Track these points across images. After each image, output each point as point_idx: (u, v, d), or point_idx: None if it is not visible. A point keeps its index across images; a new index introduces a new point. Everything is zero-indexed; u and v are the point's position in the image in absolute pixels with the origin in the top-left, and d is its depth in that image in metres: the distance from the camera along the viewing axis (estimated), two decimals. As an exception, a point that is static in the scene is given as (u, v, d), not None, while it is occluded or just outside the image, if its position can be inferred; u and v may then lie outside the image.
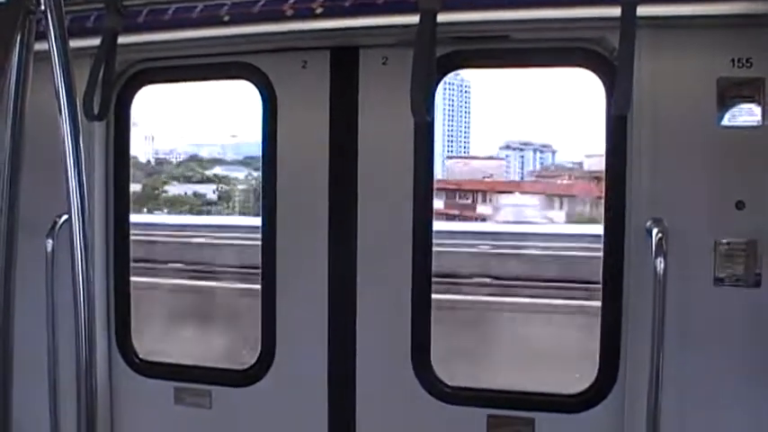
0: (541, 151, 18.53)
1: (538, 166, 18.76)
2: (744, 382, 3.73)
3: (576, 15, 3.80)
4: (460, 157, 17.26)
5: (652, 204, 3.77)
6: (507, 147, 18.04)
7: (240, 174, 19.65)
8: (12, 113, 2.21)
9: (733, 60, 3.67)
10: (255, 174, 16.55)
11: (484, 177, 17.38)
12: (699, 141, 3.75)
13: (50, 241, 4.31)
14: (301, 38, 4.15)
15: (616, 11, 2.71)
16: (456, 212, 16.90)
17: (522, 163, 18.27)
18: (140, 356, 4.88)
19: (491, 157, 17.90)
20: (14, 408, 2.37)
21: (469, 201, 17.44)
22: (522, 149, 18.11)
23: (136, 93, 4.77)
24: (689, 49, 3.76)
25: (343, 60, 4.31)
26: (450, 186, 16.77)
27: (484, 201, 17.66)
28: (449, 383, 4.31)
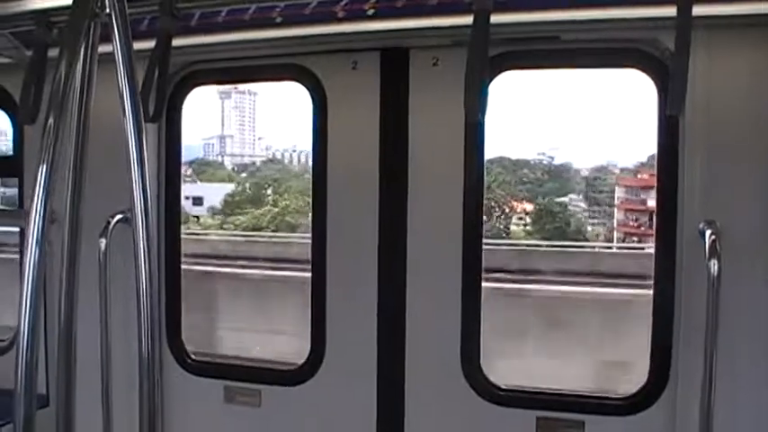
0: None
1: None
2: None
3: (627, 16, 3.77)
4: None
5: (705, 206, 3.73)
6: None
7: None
8: (77, 115, 2.26)
9: None
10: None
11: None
12: (752, 142, 3.70)
13: (104, 241, 4.37)
14: (352, 39, 4.18)
15: (667, 11, 2.69)
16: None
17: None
18: (191, 356, 4.94)
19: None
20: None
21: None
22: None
23: (187, 94, 4.83)
24: (743, 48, 3.71)
25: (394, 61, 4.32)
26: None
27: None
28: (498, 385, 4.30)
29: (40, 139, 2.01)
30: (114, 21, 2.17)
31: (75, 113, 2.25)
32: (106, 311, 4.32)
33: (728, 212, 3.70)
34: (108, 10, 2.17)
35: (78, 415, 2.49)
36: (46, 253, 2.00)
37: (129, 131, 2.18)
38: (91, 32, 2.22)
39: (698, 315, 3.57)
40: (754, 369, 3.70)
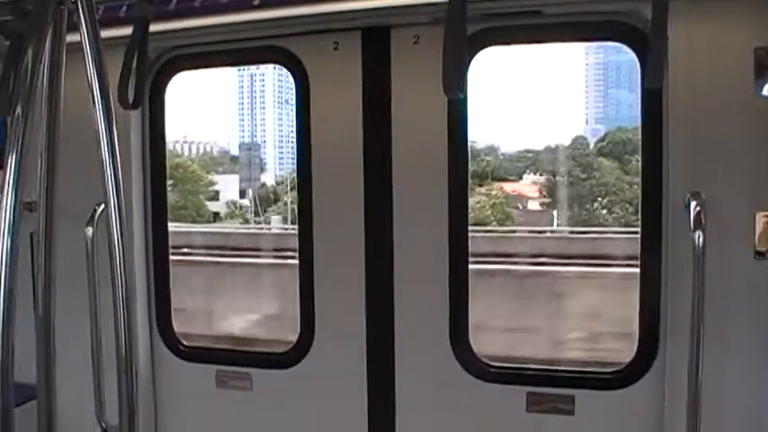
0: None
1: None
2: None
3: None
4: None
5: (690, 177, 3.71)
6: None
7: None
8: (47, 104, 2.24)
9: None
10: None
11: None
12: (736, 113, 3.68)
13: (90, 229, 4.37)
14: (332, 19, 4.15)
15: None
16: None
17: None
18: (182, 341, 4.95)
19: None
20: (60, 394, 2.42)
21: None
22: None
23: (170, 80, 4.81)
24: (725, 18, 3.68)
25: (375, 40, 4.30)
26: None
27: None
28: (488, 362, 4.31)
29: (9, 129, 2.00)
30: (80, 8, 2.15)
31: (45, 102, 2.23)
32: (95, 300, 4.32)
33: (714, 184, 3.68)
34: None
35: (71, 404, 2.49)
36: (18, 243, 1.99)
37: (99, 120, 2.17)
38: (58, 20, 2.19)
39: (684, 287, 3.56)
40: (740, 340, 3.70)
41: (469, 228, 4.33)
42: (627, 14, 3.86)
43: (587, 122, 26.74)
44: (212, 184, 27.24)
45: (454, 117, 4.20)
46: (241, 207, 27.19)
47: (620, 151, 22.72)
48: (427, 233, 4.29)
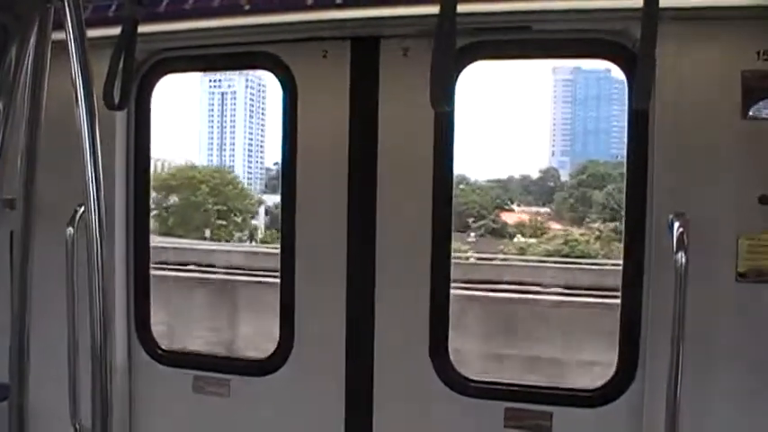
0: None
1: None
2: (765, 378, 3.68)
3: (598, 6, 3.78)
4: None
5: (674, 198, 3.72)
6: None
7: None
8: (29, 103, 2.21)
9: (758, 53, 3.62)
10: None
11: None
12: (722, 135, 3.70)
13: (70, 230, 4.33)
14: (322, 28, 4.16)
15: (637, 1, 2.68)
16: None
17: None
18: (160, 346, 4.91)
19: None
20: (34, 393, 2.40)
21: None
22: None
23: (157, 82, 4.78)
24: (713, 41, 3.71)
25: (364, 50, 4.29)
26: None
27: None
28: (467, 376, 4.29)
29: None
30: (66, 6, 2.13)
31: (28, 100, 2.21)
32: (73, 300, 4.28)
33: (698, 205, 3.69)
34: None
35: (44, 404, 2.46)
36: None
37: (82, 121, 2.14)
38: (43, 19, 2.17)
39: (666, 308, 3.56)
40: (720, 360, 3.71)
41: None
42: (616, 33, 3.88)
43: (553, 154, 26.91)
44: (261, 202, 27.00)
45: (441, 130, 4.20)
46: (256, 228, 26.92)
47: (600, 184, 22.80)
48: (410, 246, 4.27)
